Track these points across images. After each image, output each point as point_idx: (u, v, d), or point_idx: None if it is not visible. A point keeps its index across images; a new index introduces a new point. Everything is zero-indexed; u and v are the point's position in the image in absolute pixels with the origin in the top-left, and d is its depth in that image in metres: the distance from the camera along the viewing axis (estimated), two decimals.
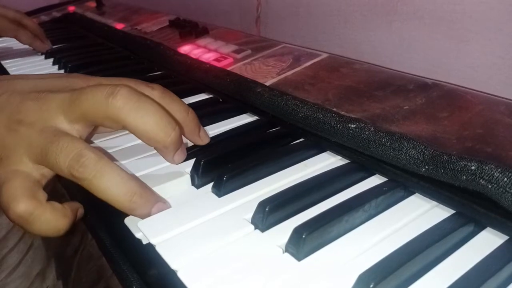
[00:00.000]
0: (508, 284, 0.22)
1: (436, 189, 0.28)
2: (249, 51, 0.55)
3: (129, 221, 0.28)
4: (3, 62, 0.68)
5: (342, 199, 0.28)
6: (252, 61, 0.52)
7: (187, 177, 0.32)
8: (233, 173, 0.30)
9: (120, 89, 0.27)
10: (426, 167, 0.28)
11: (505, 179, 0.24)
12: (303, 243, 0.24)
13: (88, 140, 0.32)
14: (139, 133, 0.28)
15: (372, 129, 0.31)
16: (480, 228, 0.26)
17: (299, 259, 0.24)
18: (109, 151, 0.36)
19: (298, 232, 0.24)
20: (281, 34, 0.75)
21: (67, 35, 0.86)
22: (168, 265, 0.24)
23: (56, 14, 1.05)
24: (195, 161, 0.32)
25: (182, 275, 0.23)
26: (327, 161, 0.34)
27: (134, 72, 0.59)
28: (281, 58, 0.51)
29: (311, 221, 0.25)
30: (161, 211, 0.28)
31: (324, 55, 0.49)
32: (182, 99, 0.33)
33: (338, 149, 0.34)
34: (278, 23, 0.75)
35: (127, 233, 0.28)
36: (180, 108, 0.32)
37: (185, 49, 0.60)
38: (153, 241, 0.26)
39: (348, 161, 0.33)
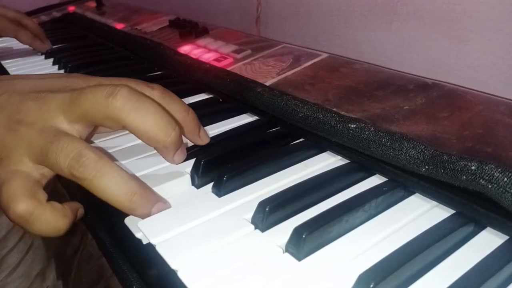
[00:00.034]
0: (508, 284, 0.22)
1: (436, 189, 0.28)
2: (249, 51, 0.55)
3: (129, 221, 0.28)
4: (3, 62, 0.68)
5: (342, 199, 0.28)
6: (252, 61, 0.52)
7: (187, 177, 0.32)
8: (233, 173, 0.30)
9: (120, 89, 0.27)
10: (426, 167, 0.28)
11: (505, 179, 0.24)
12: (303, 243, 0.24)
13: (88, 140, 0.32)
14: (139, 133, 0.28)
15: (372, 129, 0.31)
16: (480, 228, 0.26)
17: (299, 259, 0.24)
18: (109, 151, 0.36)
19: (298, 232, 0.24)
20: (281, 34, 0.75)
21: (67, 35, 0.86)
22: (168, 265, 0.24)
23: (56, 14, 1.05)
24: (195, 161, 0.32)
25: (182, 275, 0.23)
26: (327, 161, 0.34)
27: (134, 72, 0.59)
28: (281, 58, 0.51)
29: (311, 221, 0.25)
30: (161, 211, 0.28)
31: (324, 55, 0.49)
32: (182, 99, 0.33)
33: (338, 149, 0.34)
34: (278, 23, 0.75)
35: (127, 233, 0.28)
36: (180, 108, 0.32)
37: (185, 49, 0.60)
38: (153, 241, 0.26)
39: (348, 161, 0.33)
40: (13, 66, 0.66)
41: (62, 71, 0.63)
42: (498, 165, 0.25)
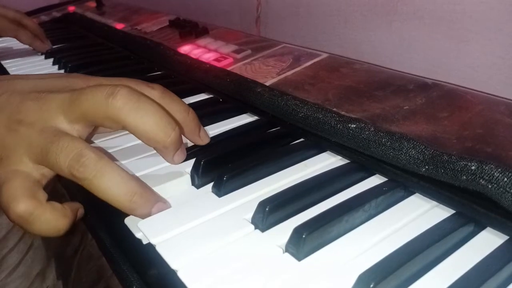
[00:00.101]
0: (508, 284, 0.22)
1: (436, 189, 0.28)
2: (249, 51, 0.55)
3: (129, 221, 0.28)
4: (3, 62, 0.68)
5: (342, 199, 0.28)
6: (252, 61, 0.52)
7: (187, 177, 0.32)
8: (233, 173, 0.30)
9: (120, 89, 0.27)
10: (426, 167, 0.28)
11: (505, 179, 0.24)
12: (303, 243, 0.24)
13: (88, 140, 0.32)
14: (138, 133, 0.28)
15: (372, 129, 0.31)
16: (480, 228, 0.26)
17: (299, 259, 0.24)
18: (109, 151, 0.36)
19: (298, 232, 0.24)
20: (281, 34, 0.75)
21: (67, 35, 0.86)
22: (168, 265, 0.24)
23: (56, 14, 1.05)
24: (195, 161, 0.32)
25: (182, 275, 0.23)
26: (327, 161, 0.34)
27: (134, 72, 0.59)
28: (281, 58, 0.51)
29: (311, 221, 0.25)
30: (161, 211, 0.28)
31: (324, 55, 0.49)
32: (182, 99, 0.33)
33: (338, 149, 0.34)
34: (278, 23, 0.75)
35: (127, 233, 0.28)
36: (180, 108, 0.32)
37: (185, 49, 0.60)
38: (153, 241, 0.26)
39: (348, 161, 0.33)
40: (13, 66, 0.66)
41: (62, 71, 0.63)
42: (498, 165, 0.25)
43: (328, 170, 0.32)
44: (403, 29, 0.55)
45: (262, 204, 0.27)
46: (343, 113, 0.35)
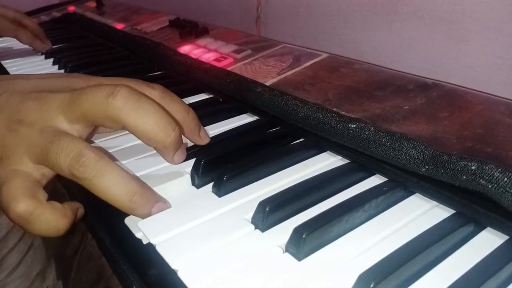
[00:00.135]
0: (508, 284, 0.22)
1: (436, 189, 0.28)
2: (249, 51, 0.55)
3: (129, 221, 0.28)
4: (3, 62, 0.68)
5: (342, 199, 0.28)
6: (252, 61, 0.52)
7: (187, 177, 0.32)
8: (233, 173, 0.30)
9: (120, 89, 0.27)
10: (426, 167, 0.28)
11: (505, 179, 0.24)
12: (303, 243, 0.24)
13: (88, 140, 0.32)
14: (138, 133, 0.28)
15: (372, 129, 0.31)
16: (480, 228, 0.26)
17: (299, 259, 0.24)
18: (109, 151, 0.36)
19: (298, 232, 0.24)
20: (281, 34, 0.75)
21: (67, 35, 0.86)
22: (168, 265, 0.24)
23: (56, 14, 1.05)
24: (195, 161, 0.32)
25: (182, 275, 0.23)
26: (327, 161, 0.34)
27: (134, 72, 0.59)
28: (281, 58, 0.51)
29: (311, 221, 0.25)
30: (161, 211, 0.28)
31: (324, 55, 0.49)
32: (182, 99, 0.33)
33: (338, 149, 0.34)
34: (278, 23, 0.75)
35: (127, 233, 0.28)
36: (181, 108, 0.32)
37: (185, 49, 0.60)
38: (153, 241, 0.26)
39: (348, 161, 0.33)
40: (13, 66, 0.66)
41: (62, 71, 0.63)
42: (498, 165, 0.25)
43: (328, 170, 0.32)
44: (403, 29, 0.55)
45: (262, 204, 0.27)
46: (343, 113, 0.35)
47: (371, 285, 0.21)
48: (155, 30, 0.74)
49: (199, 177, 0.32)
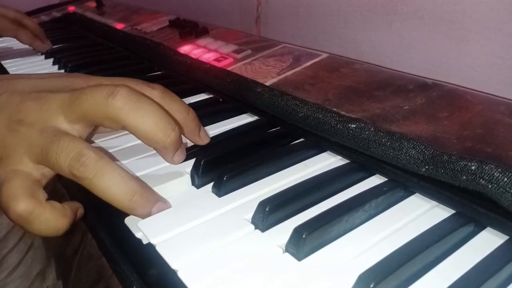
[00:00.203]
0: (508, 284, 0.22)
1: (436, 189, 0.28)
2: (249, 51, 0.55)
3: (129, 221, 0.28)
4: (3, 62, 0.68)
5: (342, 199, 0.28)
6: (252, 61, 0.52)
7: (187, 177, 0.32)
8: (233, 173, 0.30)
9: (120, 89, 0.27)
10: (426, 167, 0.28)
11: (505, 179, 0.24)
12: (303, 243, 0.24)
13: (88, 140, 0.32)
14: (138, 133, 0.28)
15: (372, 129, 0.31)
16: (480, 228, 0.26)
17: (299, 259, 0.24)
18: (109, 151, 0.36)
19: (298, 232, 0.24)
20: (281, 34, 0.75)
21: (67, 35, 0.86)
22: (168, 265, 0.24)
23: (56, 14, 1.05)
24: (195, 161, 0.32)
25: (182, 275, 0.23)
26: (327, 161, 0.34)
27: (134, 72, 0.59)
28: (281, 58, 0.51)
29: (311, 221, 0.25)
30: (161, 211, 0.28)
31: (324, 55, 0.49)
32: (182, 99, 0.33)
33: (338, 149, 0.34)
34: (278, 23, 0.75)
35: (127, 233, 0.28)
36: (181, 108, 0.32)
37: (185, 49, 0.60)
38: (153, 241, 0.26)
39: (348, 161, 0.33)
40: (13, 66, 0.66)
41: (62, 71, 0.63)
42: (498, 165, 0.25)
43: (328, 170, 0.32)
44: (403, 29, 0.55)
45: (262, 204, 0.27)
46: (343, 113, 0.35)
47: (371, 285, 0.21)
48: (155, 30, 0.74)
49: (199, 177, 0.32)
